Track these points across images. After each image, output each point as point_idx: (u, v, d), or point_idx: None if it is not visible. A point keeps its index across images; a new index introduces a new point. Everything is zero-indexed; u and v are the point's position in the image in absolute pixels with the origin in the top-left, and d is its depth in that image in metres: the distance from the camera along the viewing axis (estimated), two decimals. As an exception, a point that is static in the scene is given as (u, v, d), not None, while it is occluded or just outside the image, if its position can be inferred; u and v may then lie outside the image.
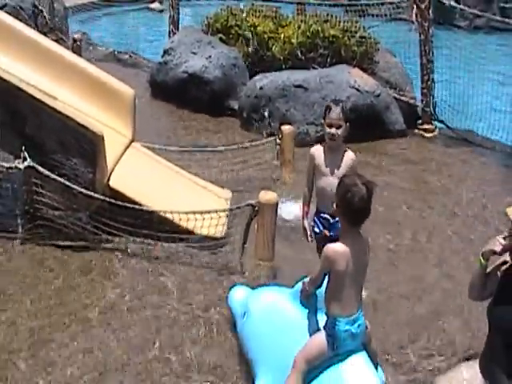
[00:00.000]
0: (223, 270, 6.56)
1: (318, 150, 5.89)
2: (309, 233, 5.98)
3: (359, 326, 4.40)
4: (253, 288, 5.56)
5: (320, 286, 4.49)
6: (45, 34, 9.28)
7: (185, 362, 5.34)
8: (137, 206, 6.79)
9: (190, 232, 6.86)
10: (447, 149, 10.30)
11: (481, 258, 4.81)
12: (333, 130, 5.72)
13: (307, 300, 4.65)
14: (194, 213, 6.76)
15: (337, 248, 4.32)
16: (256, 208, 6.45)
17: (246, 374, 5.15)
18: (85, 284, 6.33)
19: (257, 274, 6.47)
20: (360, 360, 4.42)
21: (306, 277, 4.64)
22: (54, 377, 5.11)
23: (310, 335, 4.51)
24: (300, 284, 4.69)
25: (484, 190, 8.79)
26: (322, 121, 5.88)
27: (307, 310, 4.66)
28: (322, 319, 4.53)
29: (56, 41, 9.26)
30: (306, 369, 4.41)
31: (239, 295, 5.56)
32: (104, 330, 5.68)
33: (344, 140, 5.87)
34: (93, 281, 6.38)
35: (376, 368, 4.54)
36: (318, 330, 4.50)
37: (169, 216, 6.85)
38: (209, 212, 6.81)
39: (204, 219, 6.79)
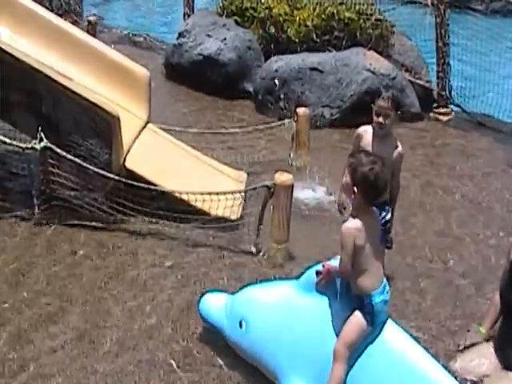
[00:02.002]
0: (238, 252, 6.57)
1: (366, 132, 5.73)
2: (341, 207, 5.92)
3: (387, 291, 4.52)
4: (231, 293, 5.30)
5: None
6: (60, 16, 9.25)
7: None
8: (152, 187, 6.80)
9: (206, 213, 6.87)
10: (463, 132, 10.24)
11: (480, 328, 5.21)
12: (380, 119, 5.55)
13: (326, 288, 4.58)
14: (210, 194, 6.76)
15: (354, 224, 4.40)
16: (271, 189, 6.45)
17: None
18: (100, 264, 6.35)
19: (272, 256, 6.47)
20: (393, 327, 4.54)
21: (313, 266, 4.60)
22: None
23: (342, 321, 4.48)
24: (309, 274, 4.63)
25: (500, 174, 8.76)
26: (372, 106, 5.64)
27: (328, 298, 4.57)
28: (347, 302, 4.51)
29: (71, 23, 9.21)
30: (348, 355, 4.43)
31: (217, 304, 5.20)
32: (122, 308, 5.73)
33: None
34: (108, 261, 6.41)
35: None
36: (348, 313, 4.48)
37: (184, 197, 6.86)
38: (224, 193, 6.81)
39: (219, 200, 6.80)
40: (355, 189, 4.42)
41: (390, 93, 5.70)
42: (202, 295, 5.43)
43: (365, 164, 4.40)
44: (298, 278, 4.83)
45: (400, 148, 5.74)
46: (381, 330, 4.50)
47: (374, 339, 4.48)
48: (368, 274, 4.42)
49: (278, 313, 4.79)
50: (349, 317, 4.47)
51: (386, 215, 5.68)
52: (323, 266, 4.55)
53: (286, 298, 4.80)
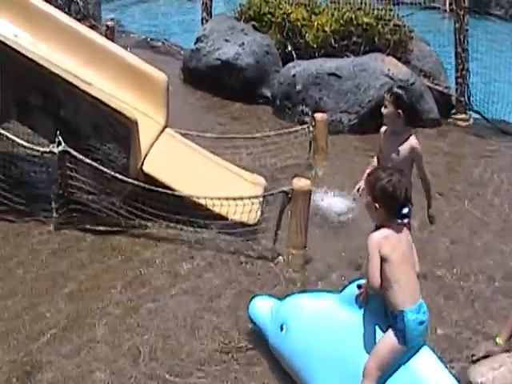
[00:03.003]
0: (256, 257, 6.55)
1: (381, 130, 6.18)
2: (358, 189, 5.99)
3: (424, 312, 4.34)
4: (279, 298, 5.31)
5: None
6: (78, 21, 9.27)
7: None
8: (170, 191, 6.80)
9: (224, 218, 6.85)
10: (482, 139, 10.20)
11: (497, 339, 5.14)
12: (382, 108, 6.01)
13: (366, 302, 4.47)
14: (227, 199, 6.74)
15: (379, 234, 4.32)
16: (289, 195, 6.43)
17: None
18: (118, 268, 6.35)
19: (290, 262, 6.44)
20: (428, 355, 4.39)
21: (356, 281, 4.52)
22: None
23: (376, 337, 4.39)
24: (351, 288, 4.55)
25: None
26: None
27: (366, 313, 4.47)
28: (383, 319, 4.41)
29: (89, 28, 9.24)
30: (378, 375, 4.30)
31: (264, 306, 5.28)
32: (140, 314, 5.71)
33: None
34: (126, 265, 6.39)
35: None
36: (381, 330, 4.39)
37: (202, 201, 6.84)
38: (242, 198, 6.79)
39: (237, 205, 6.77)
40: (376, 205, 4.34)
41: (395, 89, 6.17)
42: (253, 297, 5.47)
43: (382, 178, 4.35)
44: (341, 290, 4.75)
45: (413, 142, 5.94)
46: (415, 354, 4.35)
47: (406, 362, 4.34)
48: (397, 287, 4.25)
49: (318, 322, 4.76)
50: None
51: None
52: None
53: (327, 309, 4.74)
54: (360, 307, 4.49)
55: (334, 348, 4.57)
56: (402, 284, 4.26)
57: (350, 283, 4.62)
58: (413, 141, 5.93)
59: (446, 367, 4.46)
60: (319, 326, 4.72)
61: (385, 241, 4.28)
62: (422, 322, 4.30)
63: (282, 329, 4.93)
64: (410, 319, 4.25)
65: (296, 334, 4.84)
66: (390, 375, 4.34)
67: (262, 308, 5.29)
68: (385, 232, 4.32)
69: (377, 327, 4.43)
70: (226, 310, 5.79)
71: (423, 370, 4.31)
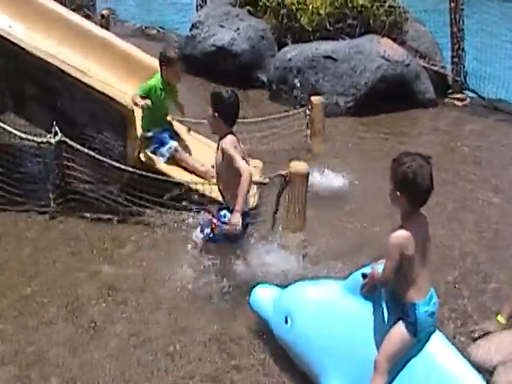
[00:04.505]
0: (254, 240, 6.55)
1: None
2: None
3: (434, 303, 4.31)
4: (280, 286, 5.26)
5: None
6: (73, 11, 9.27)
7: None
8: (167, 178, 6.81)
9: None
10: (478, 118, 10.22)
11: (498, 317, 5.13)
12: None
13: (371, 293, 4.42)
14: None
15: (403, 235, 4.17)
16: (287, 178, 6.44)
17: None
18: (116, 256, 6.37)
19: (288, 244, 6.46)
20: (440, 341, 4.38)
21: (360, 269, 4.48)
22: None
23: (385, 327, 4.35)
24: (356, 276, 4.49)
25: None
26: None
27: (373, 302, 4.43)
28: (391, 309, 4.38)
29: (84, 17, 9.24)
30: (390, 368, 4.28)
31: (267, 297, 5.20)
32: (136, 299, 5.74)
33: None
34: (124, 253, 6.42)
35: None
36: (390, 321, 4.35)
37: (199, 187, 6.86)
38: (239, 183, 6.79)
39: (235, 190, 6.78)
40: (398, 193, 4.19)
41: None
42: (254, 286, 5.38)
43: (403, 163, 4.15)
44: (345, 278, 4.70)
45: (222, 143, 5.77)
46: (426, 342, 4.33)
47: (418, 352, 4.33)
48: (415, 284, 4.21)
49: (323, 313, 4.69)
50: (392, 325, 4.32)
51: None
52: (372, 268, 4.39)
53: (332, 299, 4.68)
54: (365, 298, 4.45)
55: (342, 338, 4.53)
56: (419, 281, 4.23)
57: (354, 271, 4.56)
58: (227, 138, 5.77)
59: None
60: (325, 318, 4.66)
61: (407, 242, 4.14)
62: (432, 313, 4.29)
63: (286, 321, 4.86)
64: (421, 312, 4.24)
65: (301, 327, 4.76)
66: (405, 365, 4.33)
67: (264, 297, 5.22)
68: (406, 233, 4.15)
69: (385, 317, 4.39)
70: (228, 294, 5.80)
71: (437, 358, 4.31)
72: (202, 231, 5.87)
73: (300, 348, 4.78)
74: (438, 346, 4.36)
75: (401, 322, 4.29)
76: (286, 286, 5.21)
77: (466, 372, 4.26)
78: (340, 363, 4.53)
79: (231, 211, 5.59)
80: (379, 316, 4.42)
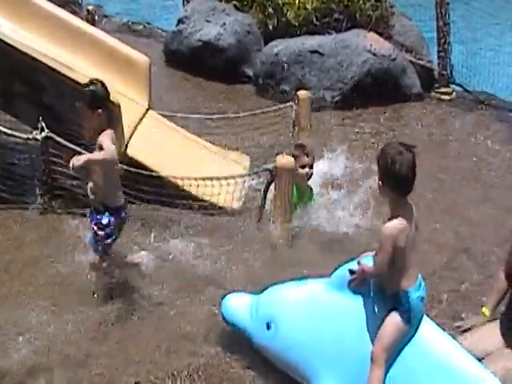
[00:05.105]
0: (242, 234, 6.58)
1: None
2: None
3: (423, 287, 4.36)
4: (253, 293, 5.05)
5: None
6: (59, 7, 9.23)
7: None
8: (154, 174, 6.82)
9: (208, 198, 6.88)
10: (465, 112, 10.25)
11: (483, 310, 5.10)
12: None
13: (360, 286, 4.42)
14: (211, 179, 6.78)
15: (396, 225, 4.19)
16: (273, 172, 6.47)
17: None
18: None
19: (275, 238, 6.48)
20: (430, 327, 4.47)
21: (346, 264, 4.46)
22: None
23: (377, 321, 4.36)
24: (341, 272, 4.47)
25: (504, 152, 8.75)
26: None
27: (363, 297, 4.43)
28: (381, 302, 4.39)
29: (70, 13, 9.21)
30: (387, 358, 4.32)
31: (241, 305, 4.95)
32: (126, 294, 5.74)
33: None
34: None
35: None
36: (383, 314, 4.36)
37: (186, 183, 6.87)
38: (226, 178, 6.82)
39: (222, 185, 6.81)
40: (380, 182, 4.23)
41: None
42: (224, 296, 5.16)
43: (384, 152, 4.20)
44: (328, 276, 4.63)
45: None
46: (417, 328, 4.39)
47: (411, 338, 4.38)
48: (405, 272, 4.26)
49: (310, 313, 4.60)
50: (384, 318, 4.34)
51: None
52: (358, 263, 4.37)
53: (318, 298, 4.61)
54: (354, 292, 4.44)
55: (333, 336, 4.50)
56: (409, 267, 4.27)
57: (339, 267, 4.54)
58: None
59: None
60: (312, 316, 4.59)
61: (399, 233, 4.16)
62: (422, 298, 4.34)
63: (268, 327, 4.72)
64: (413, 298, 4.28)
65: (287, 330, 4.65)
66: (398, 353, 4.37)
67: (238, 306, 4.98)
68: (399, 224, 4.18)
69: (376, 311, 4.40)
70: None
71: (428, 342, 4.40)
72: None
73: (288, 353, 4.65)
74: (430, 331, 4.45)
75: (394, 312, 4.32)
76: (259, 292, 5.02)
77: (459, 355, 4.39)
78: (333, 363, 4.50)
79: (106, 209, 5.55)
80: (370, 310, 4.42)
